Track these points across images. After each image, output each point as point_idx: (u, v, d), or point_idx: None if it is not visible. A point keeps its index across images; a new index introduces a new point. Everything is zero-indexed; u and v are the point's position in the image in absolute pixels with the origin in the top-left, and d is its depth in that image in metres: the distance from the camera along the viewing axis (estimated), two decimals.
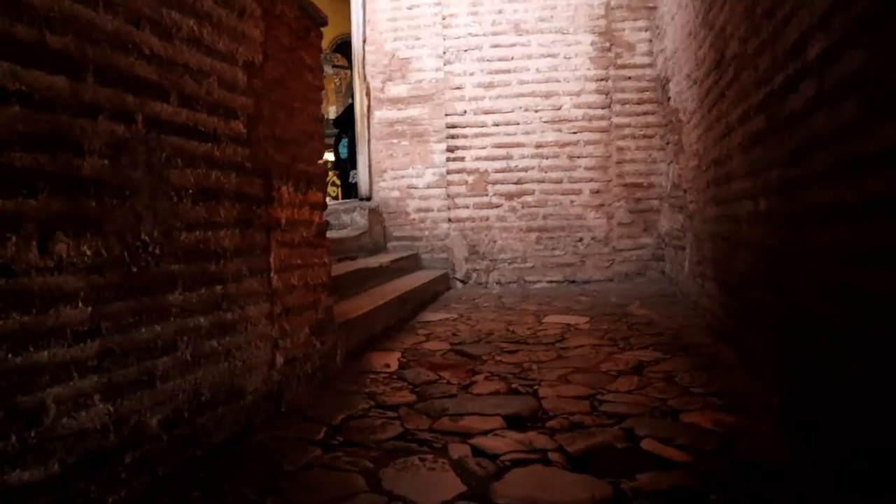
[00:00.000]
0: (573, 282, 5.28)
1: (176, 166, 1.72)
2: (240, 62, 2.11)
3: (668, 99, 4.73)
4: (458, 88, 5.40)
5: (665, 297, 4.51)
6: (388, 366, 2.84)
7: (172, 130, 1.72)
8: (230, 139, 2.03)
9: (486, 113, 5.35)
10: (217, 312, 1.88)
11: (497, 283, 5.40)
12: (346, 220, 5.39)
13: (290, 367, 2.35)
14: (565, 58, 5.24)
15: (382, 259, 4.89)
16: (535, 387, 2.39)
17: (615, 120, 5.23)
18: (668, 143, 5.01)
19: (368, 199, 5.82)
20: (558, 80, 5.26)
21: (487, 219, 5.39)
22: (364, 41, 5.75)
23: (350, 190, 7.26)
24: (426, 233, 5.74)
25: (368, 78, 5.77)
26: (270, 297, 2.25)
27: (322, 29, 2.88)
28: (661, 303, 4.28)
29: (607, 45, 5.23)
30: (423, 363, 2.85)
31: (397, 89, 5.73)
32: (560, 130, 5.26)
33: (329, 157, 7.77)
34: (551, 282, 5.30)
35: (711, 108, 3.07)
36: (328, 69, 11.49)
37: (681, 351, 2.86)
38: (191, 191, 1.78)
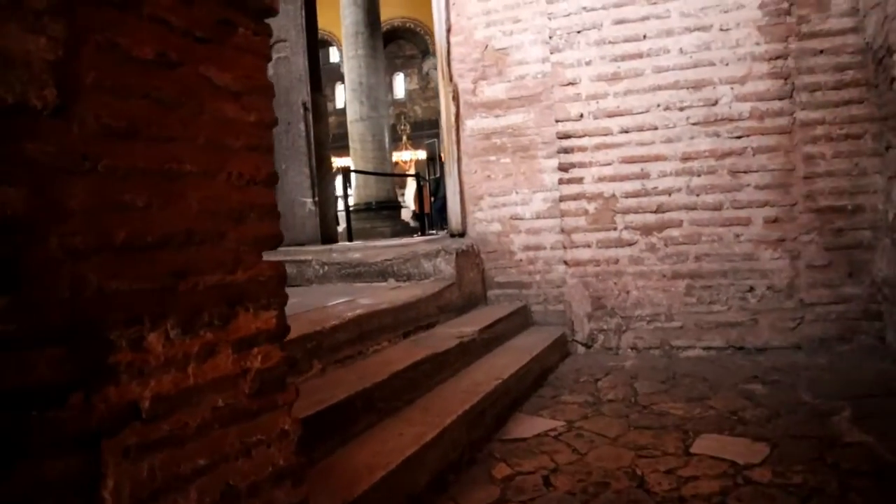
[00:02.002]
0: (741, 348, 3.80)
1: None
2: None
3: (892, 81, 3.15)
4: (570, 84, 4.07)
5: (893, 391, 2.97)
6: None
7: None
8: None
9: (610, 116, 3.98)
10: None
11: (632, 348, 4.03)
12: (428, 267, 4.25)
13: None
14: (721, 30, 3.75)
15: (469, 326, 3.70)
16: None
17: (800, 115, 3.68)
18: (887, 148, 3.41)
19: (461, 234, 4.64)
20: (712, 63, 3.78)
21: (616, 261, 4.03)
22: (448, 30, 4.56)
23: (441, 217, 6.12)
24: (537, 277, 4.47)
25: (456, 78, 4.58)
26: None
27: (268, 21, 1.74)
28: (890, 409, 2.76)
29: (785, 5, 3.69)
30: None
31: (493, 90, 4.49)
32: (717, 135, 3.78)
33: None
34: (708, 348, 3.86)
35: None
36: None
37: None
38: None
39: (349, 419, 2.48)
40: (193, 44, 1.49)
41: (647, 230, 3.95)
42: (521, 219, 4.47)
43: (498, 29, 4.43)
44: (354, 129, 10.47)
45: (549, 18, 4.10)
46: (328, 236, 6.56)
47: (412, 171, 22.60)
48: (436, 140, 12.49)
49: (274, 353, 1.68)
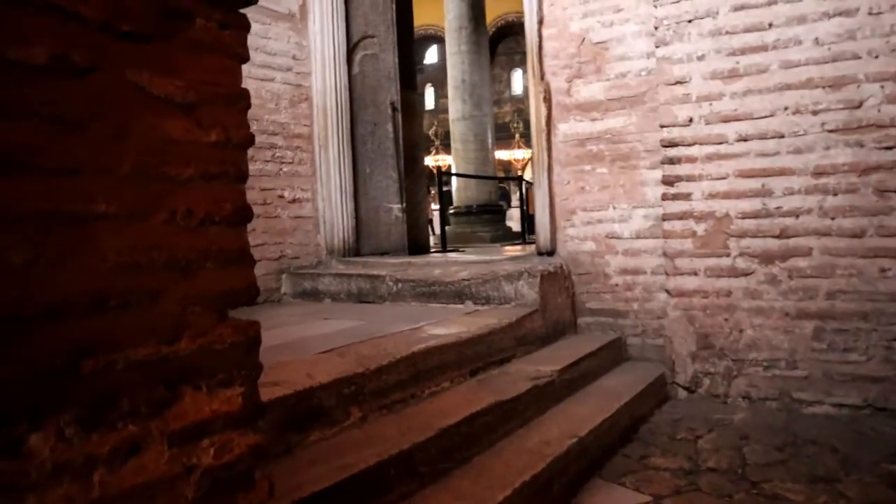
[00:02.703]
0: (883, 409, 3.11)
1: None
2: None
3: None
4: (679, 83, 3.50)
5: None
6: None
7: None
8: None
9: (726, 120, 3.38)
10: None
11: (743, 397, 3.42)
12: (509, 291, 3.80)
13: None
14: (871, 13, 3.07)
15: (549, 364, 3.23)
16: None
17: None
18: None
19: (550, 252, 4.15)
20: (857, 56, 3.11)
21: (728, 293, 3.43)
22: (540, 22, 4.07)
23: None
24: (634, 306, 3.92)
25: (548, 76, 4.09)
26: None
27: (246, 11, 1.37)
28: None
29: None
30: None
31: (590, 90, 3.97)
32: (860, 145, 3.11)
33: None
34: (840, 406, 3.19)
35: None
36: None
37: None
38: None
39: (379, 489, 2.09)
40: (117, 42, 1.13)
41: (767, 258, 3.32)
42: (619, 238, 3.93)
43: (596, 20, 3.90)
44: (456, 129, 10.11)
45: (655, 6, 3.53)
46: (418, 244, 6.22)
47: (526, 171, 22.11)
48: None
49: (236, 443, 1.31)
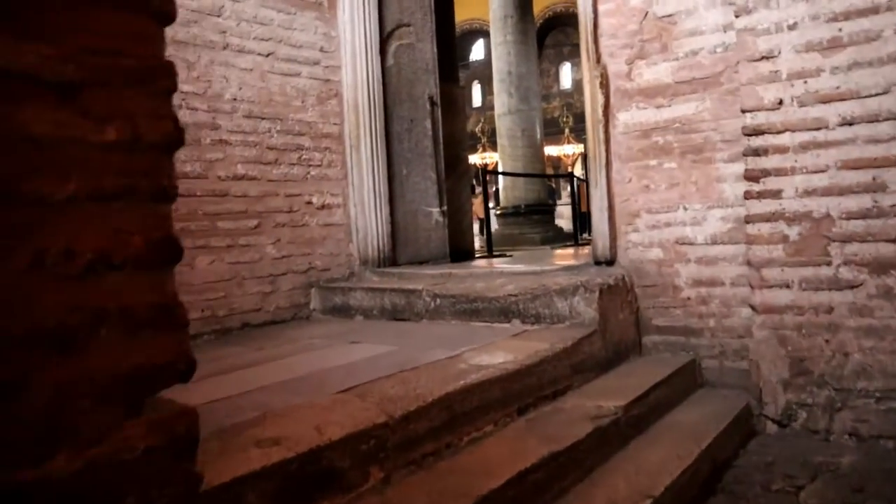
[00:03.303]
0: None
1: None
2: None
3: None
4: (764, 59, 2.95)
5: None
6: None
7: None
8: None
9: (825, 101, 2.82)
10: None
11: (850, 434, 2.86)
12: (563, 308, 3.30)
13: None
14: None
15: (612, 398, 2.72)
16: None
17: None
18: None
19: (609, 262, 3.64)
20: None
21: (830, 309, 2.87)
22: None
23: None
24: (710, 323, 3.38)
25: (605, 58, 3.57)
26: None
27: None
28: None
29: None
30: None
31: (654, 72, 3.44)
32: None
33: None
34: None
35: None
36: None
37: None
38: None
39: None
40: None
41: (879, 267, 2.75)
42: (691, 243, 3.40)
43: None
44: (502, 124, 9.59)
45: None
46: (461, 250, 5.76)
47: (576, 166, 21.47)
48: None
49: None
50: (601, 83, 3.56)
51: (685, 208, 3.40)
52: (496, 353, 2.85)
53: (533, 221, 9.40)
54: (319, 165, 4.52)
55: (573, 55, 27.24)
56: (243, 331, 3.97)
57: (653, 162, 3.47)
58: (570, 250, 7.47)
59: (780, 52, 2.90)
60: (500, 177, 9.96)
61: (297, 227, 4.35)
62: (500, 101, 9.47)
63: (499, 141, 9.68)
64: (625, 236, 3.59)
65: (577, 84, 27.12)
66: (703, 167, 3.33)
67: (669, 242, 3.45)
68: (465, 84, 28.69)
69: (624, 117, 3.53)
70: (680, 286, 3.44)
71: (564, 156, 22.74)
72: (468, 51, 27.12)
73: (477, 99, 29.93)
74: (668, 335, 3.50)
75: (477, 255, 6.42)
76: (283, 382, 2.61)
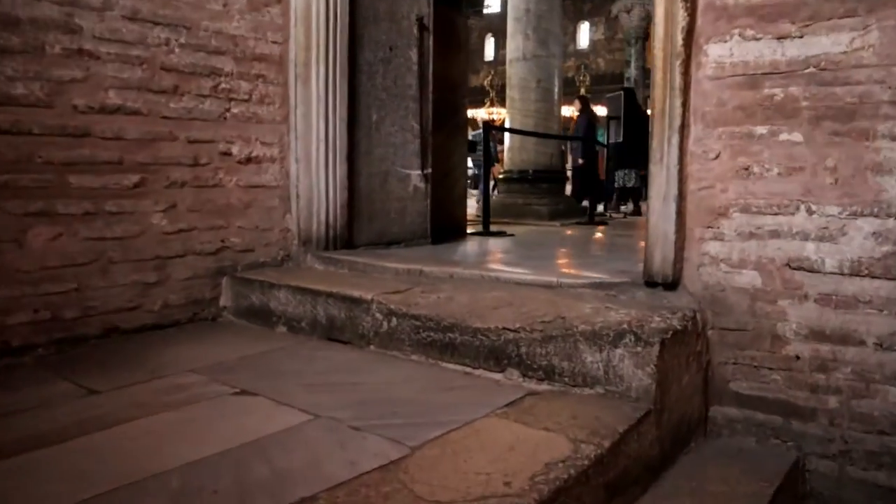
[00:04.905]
0: None
1: None
2: None
3: None
4: None
5: None
6: None
7: None
8: None
9: None
10: None
11: None
12: (593, 365, 1.98)
13: None
14: None
15: None
16: None
17: None
18: None
19: (669, 283, 2.30)
20: None
21: None
22: None
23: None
24: (831, 402, 2.06)
25: None
26: None
27: None
28: None
29: None
30: None
31: None
32: None
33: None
34: None
35: None
36: None
37: None
38: None
39: None
40: None
41: None
42: (813, 270, 2.06)
43: None
44: (514, 72, 8.11)
45: None
46: (448, 226, 4.42)
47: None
48: (621, 92, 9.82)
49: None
50: None
51: (810, 211, 2.06)
52: (473, 457, 1.55)
53: (541, 191, 8.00)
54: (247, 101, 3.15)
55: (593, 13, 25.67)
56: (105, 341, 2.67)
57: (761, 129, 2.11)
58: (589, 230, 6.15)
59: None
60: (507, 135, 8.53)
61: (206, 187, 3.01)
62: (514, 45, 7.99)
63: (508, 93, 8.24)
64: (700, 245, 2.26)
65: (595, 45, 25.66)
66: (851, 144, 1.98)
67: (775, 264, 2.12)
68: (478, 34, 26.98)
69: (718, 52, 2.17)
70: (785, 336, 2.12)
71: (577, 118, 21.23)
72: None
73: (490, 52, 28.23)
74: (756, 410, 2.19)
75: (470, 231, 5.09)
76: None
